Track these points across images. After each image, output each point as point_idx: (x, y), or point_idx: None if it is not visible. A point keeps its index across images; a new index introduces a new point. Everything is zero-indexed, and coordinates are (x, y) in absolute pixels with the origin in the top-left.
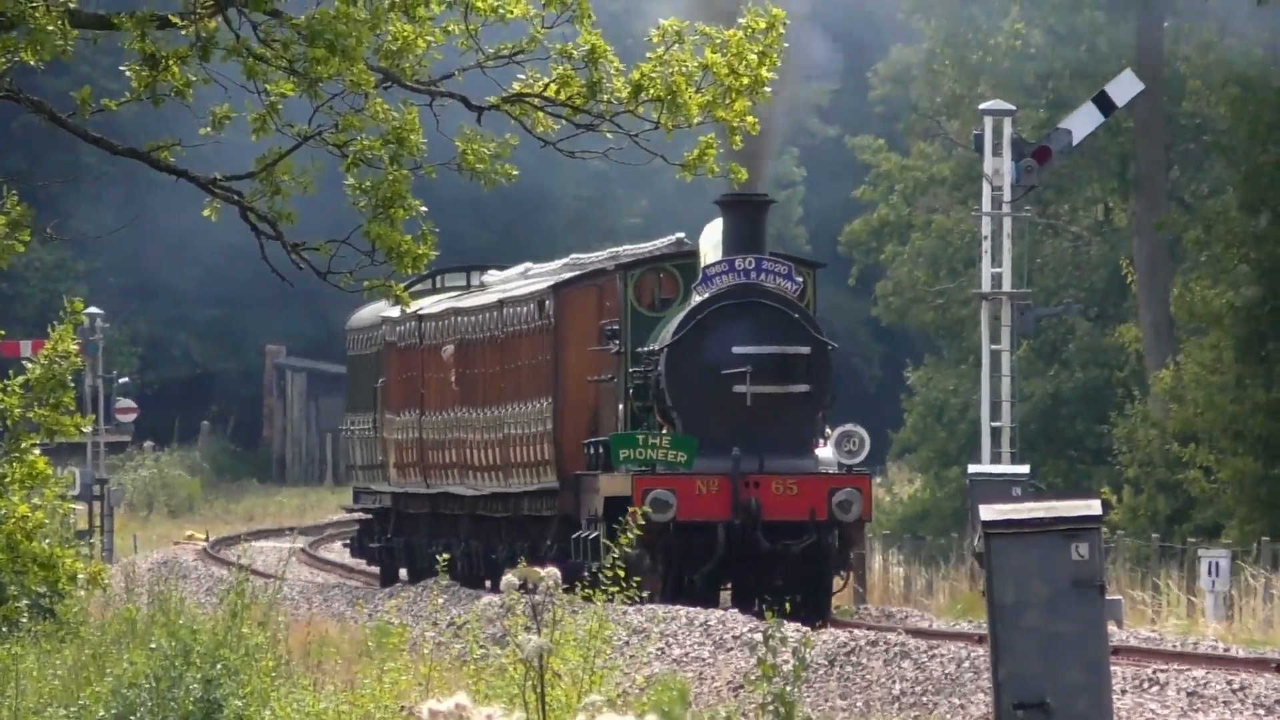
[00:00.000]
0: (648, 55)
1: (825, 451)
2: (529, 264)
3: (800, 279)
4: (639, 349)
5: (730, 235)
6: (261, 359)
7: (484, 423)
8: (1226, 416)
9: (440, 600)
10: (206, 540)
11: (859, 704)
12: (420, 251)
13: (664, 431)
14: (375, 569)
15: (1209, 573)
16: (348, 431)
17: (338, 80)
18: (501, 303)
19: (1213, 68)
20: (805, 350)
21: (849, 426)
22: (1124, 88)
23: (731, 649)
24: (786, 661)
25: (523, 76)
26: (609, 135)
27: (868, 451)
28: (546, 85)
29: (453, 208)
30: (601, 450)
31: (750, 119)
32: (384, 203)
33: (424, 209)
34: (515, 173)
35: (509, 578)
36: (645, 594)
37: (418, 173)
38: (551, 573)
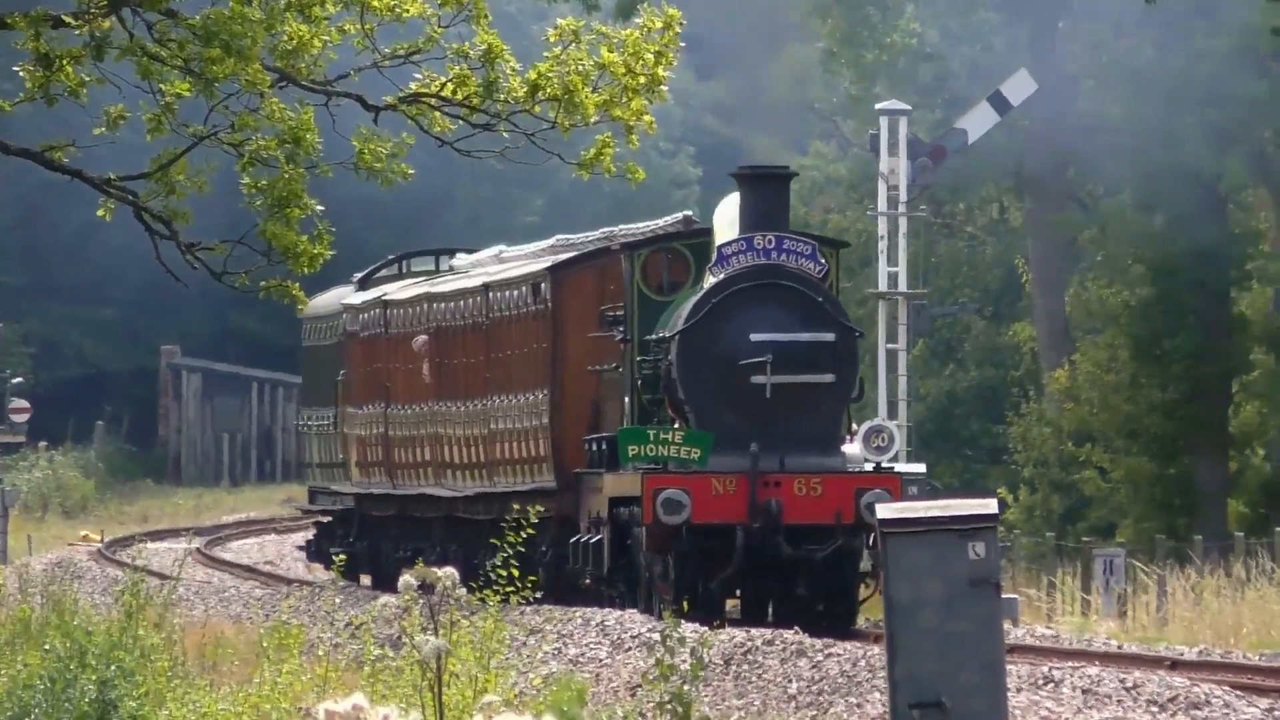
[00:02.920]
0: (544, 55)
1: (853, 448)
2: (502, 246)
3: (824, 260)
4: (647, 336)
5: (748, 211)
6: (157, 359)
7: (465, 417)
8: (1121, 416)
9: (337, 601)
10: (102, 541)
11: (756, 703)
12: (316, 251)
13: (676, 426)
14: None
15: (1103, 571)
16: (304, 427)
17: (233, 80)
18: (487, 287)
19: (1107, 67)
20: (830, 337)
21: (878, 421)
22: (1019, 87)
23: (629, 649)
24: (684, 661)
25: (419, 76)
26: (506, 134)
27: (898, 448)
28: (443, 85)
29: (349, 208)
30: (605, 447)
31: (647, 118)
32: (280, 202)
33: (320, 208)
34: (411, 172)
35: (406, 578)
36: (654, 602)
37: (313, 172)
38: (449, 573)
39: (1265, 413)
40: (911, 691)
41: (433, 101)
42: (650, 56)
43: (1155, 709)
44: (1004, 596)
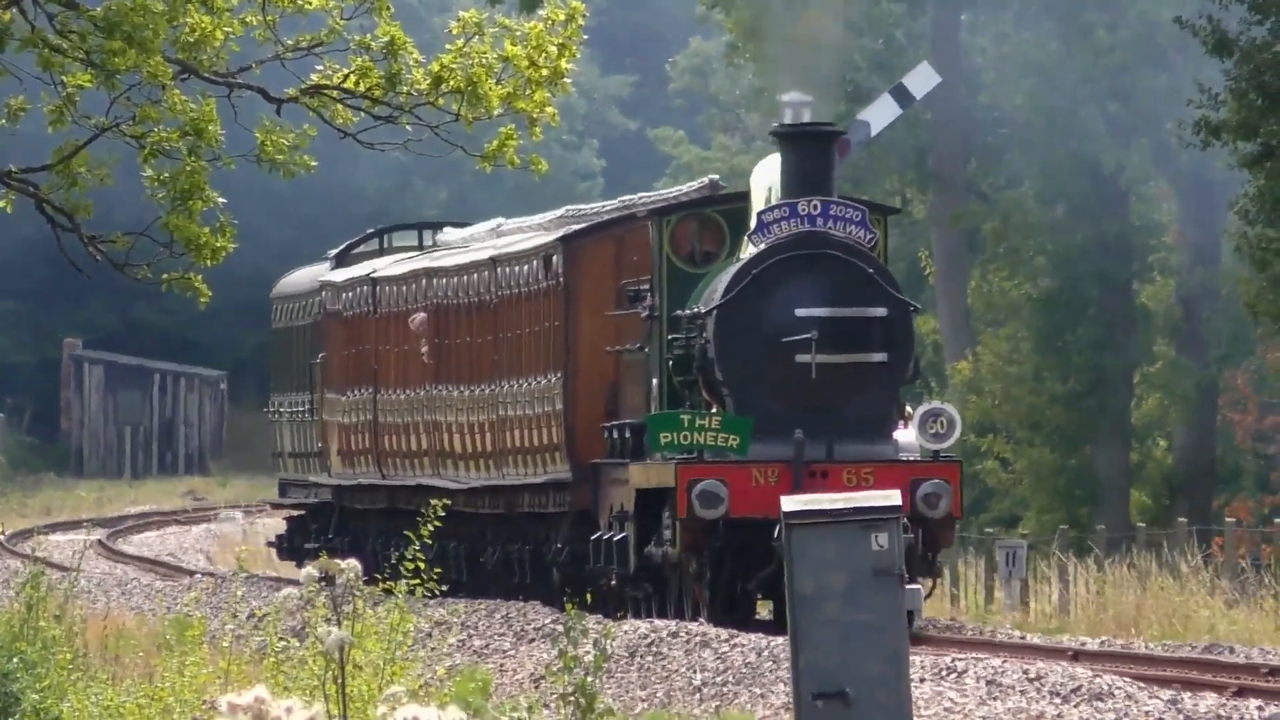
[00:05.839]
0: (447, 47)
1: (907, 434)
2: (500, 219)
3: (874, 228)
4: (678, 311)
5: (791, 174)
6: (59, 351)
7: (469, 402)
8: (1024, 408)
9: (241, 593)
10: (3, 533)
11: (660, 694)
12: (219, 244)
13: (712, 411)
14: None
15: (1006, 562)
16: (274, 414)
17: (135, 72)
18: (495, 260)
19: (1009, 59)
20: (882, 312)
21: (935, 404)
22: (921, 80)
23: (533, 640)
24: (588, 653)
25: (321, 68)
26: (408, 127)
27: (959, 434)
28: (345, 77)
29: (251, 200)
30: (627, 434)
31: (550, 110)
32: (182, 195)
33: (222, 201)
34: (314, 164)
35: (308, 570)
36: (693, 605)
37: (216, 164)
38: (352, 564)
39: (1167, 404)
40: (815, 682)
41: (335, 93)
42: (553, 49)
43: (1058, 700)
44: (907, 587)
